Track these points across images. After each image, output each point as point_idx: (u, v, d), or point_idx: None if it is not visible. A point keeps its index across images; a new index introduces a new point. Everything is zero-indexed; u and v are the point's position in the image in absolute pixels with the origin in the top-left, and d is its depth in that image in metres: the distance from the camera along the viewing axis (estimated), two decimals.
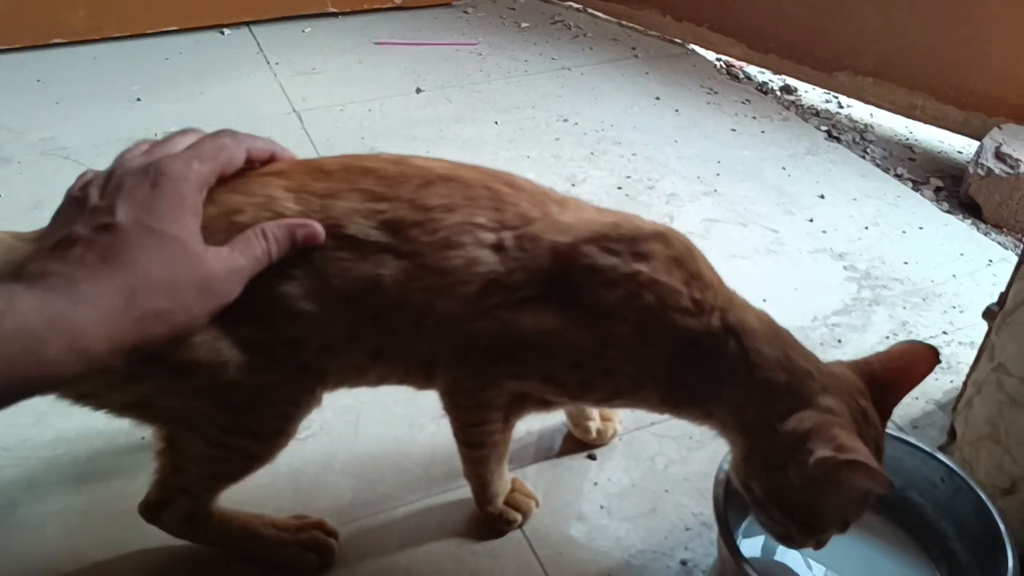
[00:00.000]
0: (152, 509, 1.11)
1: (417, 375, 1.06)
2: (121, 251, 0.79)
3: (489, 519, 1.22)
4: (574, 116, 2.33)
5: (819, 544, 1.03)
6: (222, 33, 2.72)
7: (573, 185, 2.02)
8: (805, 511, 0.99)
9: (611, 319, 0.98)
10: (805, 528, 1.01)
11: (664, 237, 1.01)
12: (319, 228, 0.92)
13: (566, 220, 1.01)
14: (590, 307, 0.98)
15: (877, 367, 1.02)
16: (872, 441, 0.97)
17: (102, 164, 0.94)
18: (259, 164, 0.97)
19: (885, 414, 1.01)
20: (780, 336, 1.02)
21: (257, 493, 1.22)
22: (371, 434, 1.37)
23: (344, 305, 0.95)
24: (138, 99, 2.34)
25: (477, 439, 1.12)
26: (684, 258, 1.01)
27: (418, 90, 2.43)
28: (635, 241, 1.00)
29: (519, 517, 1.22)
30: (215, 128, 1.02)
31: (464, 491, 1.24)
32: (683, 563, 1.20)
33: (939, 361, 1.02)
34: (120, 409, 0.98)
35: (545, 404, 1.09)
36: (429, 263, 0.96)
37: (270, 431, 1.02)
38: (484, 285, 0.97)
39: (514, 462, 1.33)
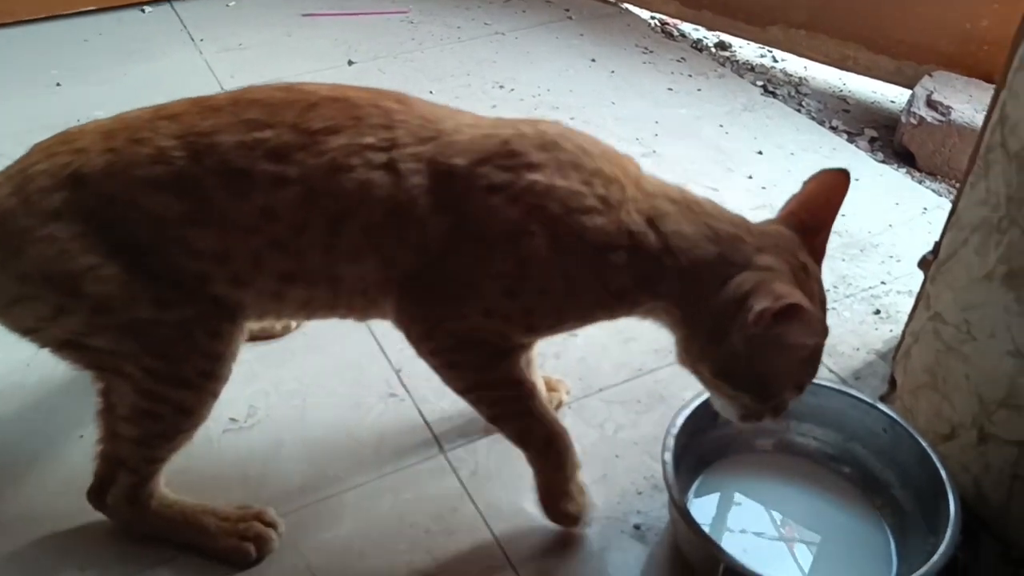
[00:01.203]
0: (97, 491, 1.12)
1: (353, 300, 1.05)
2: None
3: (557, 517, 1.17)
4: (510, 82, 2.31)
5: (777, 412, 1.03)
6: (143, 11, 2.63)
7: None
8: (754, 378, 0.99)
9: (521, 236, 0.98)
10: (759, 396, 1.01)
11: (554, 143, 1.00)
12: None
13: (460, 140, 1.01)
14: (499, 230, 0.98)
15: (803, 215, 1.02)
16: (816, 296, 0.98)
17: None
18: None
19: (819, 255, 1.02)
20: (699, 209, 1.01)
21: (204, 485, 1.21)
22: (317, 418, 1.35)
23: (243, 236, 0.98)
24: (58, 84, 2.25)
25: (490, 406, 1.10)
26: (579, 159, 1.00)
27: (350, 62, 2.38)
28: (525, 154, 0.99)
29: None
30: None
31: (415, 468, 1.24)
32: (636, 527, 1.20)
33: (849, 180, 1.02)
34: (59, 347, 1.03)
35: (513, 348, 1.06)
36: (320, 187, 0.97)
37: (198, 375, 1.03)
38: (390, 212, 0.97)
39: (465, 436, 1.33)
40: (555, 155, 0.99)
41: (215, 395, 1.07)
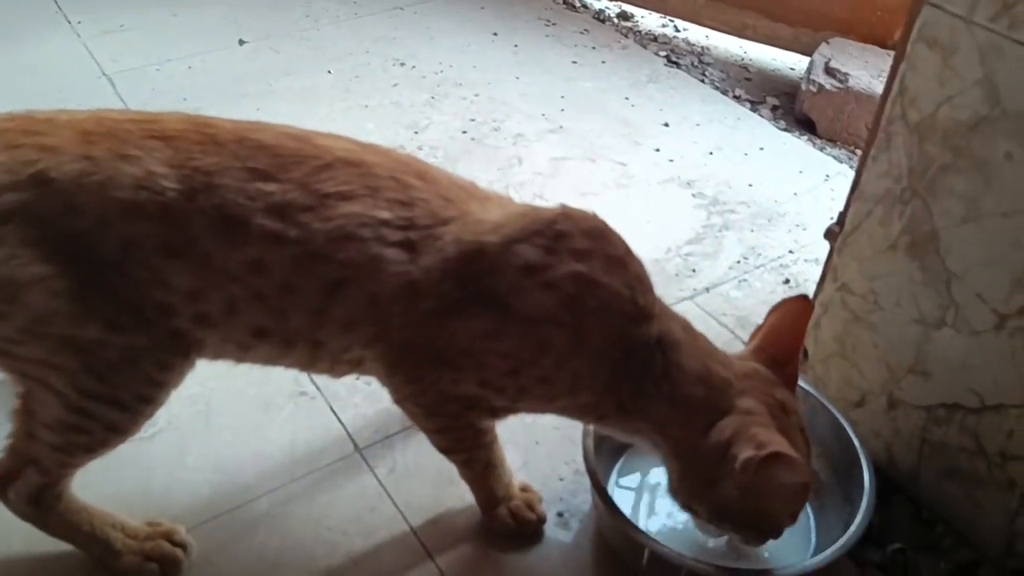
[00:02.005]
0: (0, 481, 1.02)
1: (336, 366, 1.02)
2: None
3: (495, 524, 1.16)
4: (411, 59, 2.24)
5: (777, 536, 1.04)
6: None
7: (416, 132, 1.95)
8: (754, 518, 1.00)
9: (546, 324, 0.94)
10: (759, 533, 1.02)
11: (603, 234, 0.97)
12: None
13: (491, 218, 0.97)
14: (524, 312, 0.94)
15: (772, 349, 1.03)
16: (795, 428, 0.99)
17: None
18: None
19: (793, 382, 1.03)
20: (700, 346, 1.00)
21: (103, 503, 1.13)
22: (224, 423, 1.29)
23: (222, 281, 0.92)
24: None
25: (449, 442, 1.09)
26: (625, 258, 0.97)
27: (241, 42, 2.27)
28: (572, 238, 0.95)
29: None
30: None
31: (330, 469, 1.19)
32: (560, 515, 1.19)
33: (811, 305, 1.04)
34: None
35: (492, 411, 1.05)
36: (321, 252, 0.91)
37: (135, 399, 0.96)
38: (401, 287, 0.93)
39: (380, 432, 1.29)
40: (602, 247, 0.96)
41: (150, 416, 1.00)
